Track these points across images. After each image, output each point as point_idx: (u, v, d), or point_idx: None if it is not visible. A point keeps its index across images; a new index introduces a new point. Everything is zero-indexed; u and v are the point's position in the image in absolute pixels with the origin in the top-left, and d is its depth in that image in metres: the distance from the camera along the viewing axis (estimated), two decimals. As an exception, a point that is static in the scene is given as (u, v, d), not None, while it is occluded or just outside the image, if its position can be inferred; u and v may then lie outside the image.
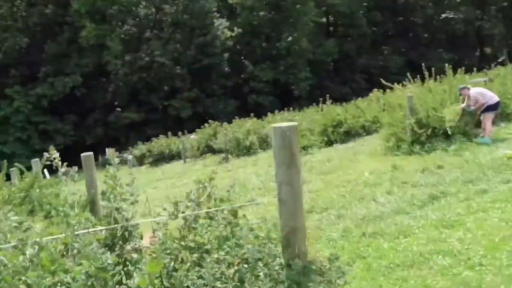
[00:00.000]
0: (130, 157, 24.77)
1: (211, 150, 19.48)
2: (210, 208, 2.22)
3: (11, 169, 7.01)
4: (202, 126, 22.96)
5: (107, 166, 2.43)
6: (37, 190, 5.33)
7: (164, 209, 2.16)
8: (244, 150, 16.06)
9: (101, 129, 38.74)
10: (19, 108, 36.46)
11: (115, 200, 2.18)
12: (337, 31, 48.28)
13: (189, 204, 2.16)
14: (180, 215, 2.14)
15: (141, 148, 25.07)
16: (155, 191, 10.97)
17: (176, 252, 1.97)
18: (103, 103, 40.16)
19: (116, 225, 2.06)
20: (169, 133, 24.89)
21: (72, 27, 39.27)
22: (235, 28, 42.25)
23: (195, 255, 2.04)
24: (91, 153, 4.91)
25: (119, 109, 39.80)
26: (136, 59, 38.50)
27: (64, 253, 1.90)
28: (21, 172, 6.10)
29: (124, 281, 1.81)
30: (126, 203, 2.21)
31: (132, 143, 28.49)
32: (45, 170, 2.82)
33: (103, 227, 2.07)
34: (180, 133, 24.10)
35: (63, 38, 39.16)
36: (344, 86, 41.88)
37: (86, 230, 1.99)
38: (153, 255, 1.74)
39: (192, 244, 2.05)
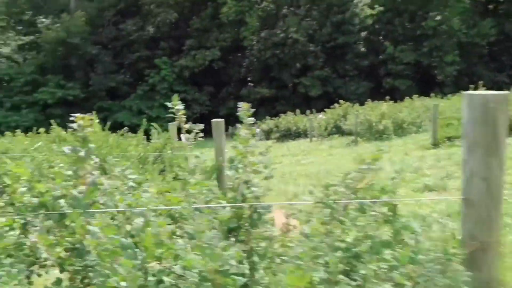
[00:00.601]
0: (258, 130, 25.35)
1: (339, 132, 18.76)
2: (364, 198, 1.60)
3: (152, 130, 7.42)
4: (331, 106, 22.27)
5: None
6: (169, 151, 5.39)
7: (311, 193, 1.61)
8: (376, 134, 14.96)
9: (233, 102, 40.52)
10: (165, 77, 40.29)
11: (244, 171, 1.72)
12: (498, 10, 41.87)
13: (343, 189, 1.57)
14: (324, 201, 1.57)
15: (268, 123, 25.48)
16: (280, 166, 10.86)
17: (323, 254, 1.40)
18: (237, 77, 41.88)
19: (244, 204, 1.59)
20: (297, 110, 24.73)
21: (214, 3, 41.41)
22: (376, 6, 39.65)
23: (344, 255, 1.45)
24: (222, 119, 4.75)
25: (251, 84, 41.12)
26: (271, 35, 38.95)
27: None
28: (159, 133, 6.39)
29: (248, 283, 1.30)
30: (258, 177, 1.72)
31: (260, 118, 29.14)
32: (182, 135, 2.56)
33: (228, 204, 1.61)
34: (308, 111, 23.79)
35: (207, 14, 41.57)
36: (500, 74, 36.41)
37: (206, 205, 1.54)
38: (293, 262, 1.19)
39: (339, 244, 1.45)
